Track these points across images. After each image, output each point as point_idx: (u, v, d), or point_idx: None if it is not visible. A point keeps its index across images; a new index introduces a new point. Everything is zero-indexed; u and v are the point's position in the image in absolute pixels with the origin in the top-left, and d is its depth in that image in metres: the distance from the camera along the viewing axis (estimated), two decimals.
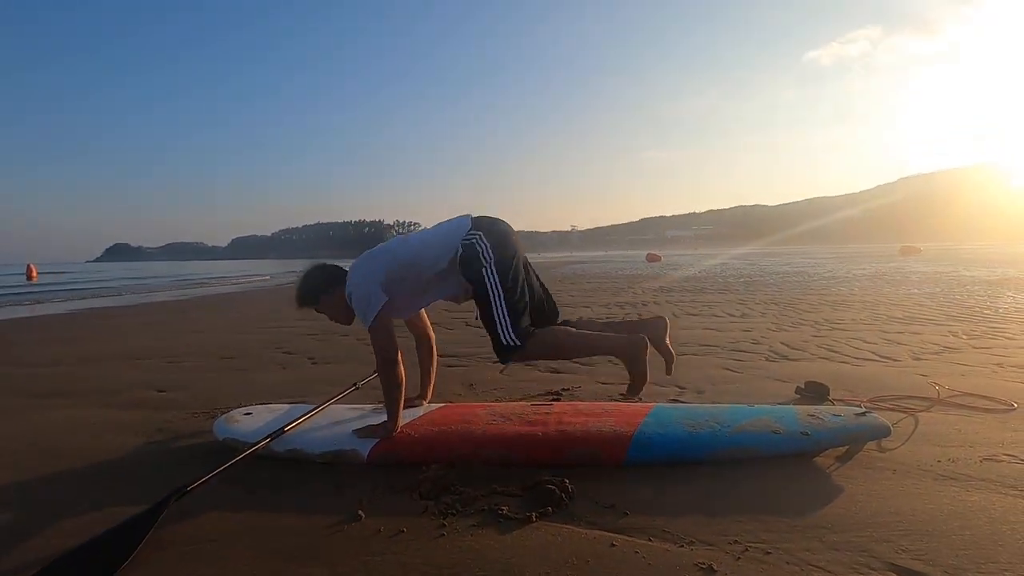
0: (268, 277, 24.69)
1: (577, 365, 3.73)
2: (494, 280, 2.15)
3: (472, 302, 2.26)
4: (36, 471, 2.11)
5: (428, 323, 2.54)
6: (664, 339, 2.37)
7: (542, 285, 2.42)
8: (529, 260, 2.38)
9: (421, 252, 2.22)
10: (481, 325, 2.21)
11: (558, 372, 3.55)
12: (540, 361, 2.23)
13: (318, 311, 2.32)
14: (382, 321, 2.10)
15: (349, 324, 2.35)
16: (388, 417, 2.12)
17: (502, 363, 2.29)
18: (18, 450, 2.35)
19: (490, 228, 2.22)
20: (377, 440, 2.06)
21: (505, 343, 2.14)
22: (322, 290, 2.27)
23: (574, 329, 2.27)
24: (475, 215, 2.28)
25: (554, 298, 2.47)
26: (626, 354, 2.24)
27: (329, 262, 2.41)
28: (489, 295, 2.15)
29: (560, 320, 2.42)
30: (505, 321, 2.14)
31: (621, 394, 2.28)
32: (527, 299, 2.24)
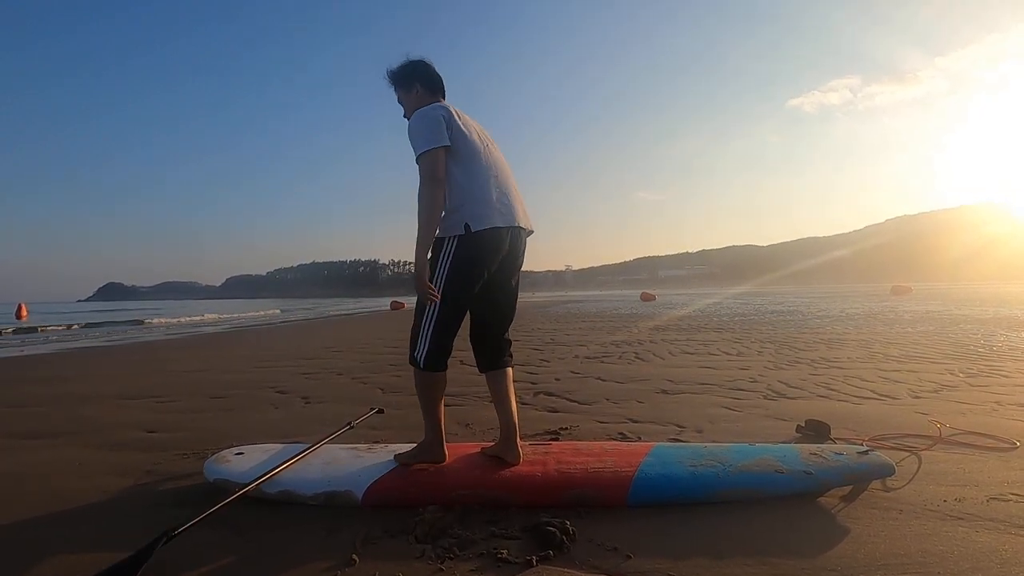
0: (278, 311, 24.47)
1: (575, 404, 3.69)
2: (443, 290, 2.06)
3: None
4: (21, 513, 2.03)
5: None
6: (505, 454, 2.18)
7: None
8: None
9: (474, 172, 2.07)
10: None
11: (555, 411, 3.51)
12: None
13: (398, 88, 2.26)
14: (435, 155, 1.97)
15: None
16: (418, 247, 1.97)
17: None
18: (2, 491, 2.27)
19: (483, 236, 2.07)
20: (372, 481, 2.01)
21: (414, 356, 2.11)
22: (425, 83, 2.23)
23: (436, 384, 2.15)
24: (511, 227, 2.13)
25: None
26: (425, 449, 2.16)
27: (432, 67, 2.29)
28: (428, 311, 2.07)
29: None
30: (426, 335, 2.08)
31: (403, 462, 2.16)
32: (460, 324, 2.14)
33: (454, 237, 2.04)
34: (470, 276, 2.06)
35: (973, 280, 72.18)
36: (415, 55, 2.29)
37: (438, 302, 2.04)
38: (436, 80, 2.26)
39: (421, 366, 2.09)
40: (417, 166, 2.01)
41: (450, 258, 2.04)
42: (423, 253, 2.00)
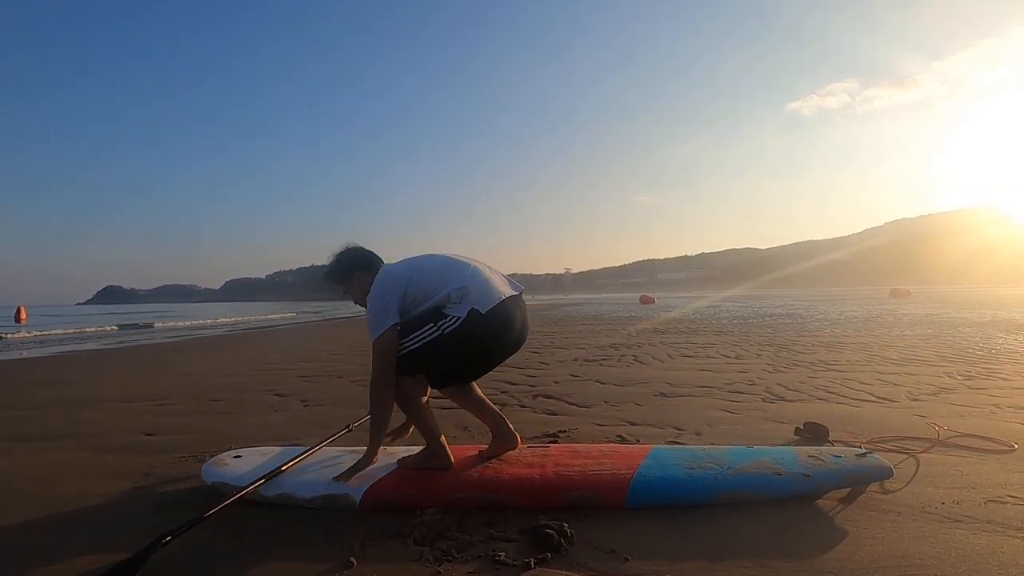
0: (295, 314, 24.41)
1: (574, 407, 3.69)
2: (423, 339, 2.08)
3: None
4: (19, 516, 2.03)
5: None
6: (498, 454, 2.26)
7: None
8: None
9: (441, 292, 2.13)
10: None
11: (554, 414, 3.50)
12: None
13: (338, 284, 2.32)
14: (387, 338, 2.06)
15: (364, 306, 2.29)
16: (370, 440, 2.10)
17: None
18: (0, 494, 2.27)
19: (490, 322, 2.11)
20: (370, 484, 2.01)
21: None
22: (356, 267, 2.29)
23: (425, 404, 2.20)
24: (505, 299, 2.17)
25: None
26: (431, 453, 2.17)
27: (361, 247, 2.38)
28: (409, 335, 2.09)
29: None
30: (414, 348, 2.07)
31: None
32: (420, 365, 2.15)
33: (459, 319, 2.07)
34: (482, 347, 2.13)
35: (972, 283, 72.27)
36: (340, 244, 2.36)
37: (434, 340, 2.06)
38: (367, 259, 2.31)
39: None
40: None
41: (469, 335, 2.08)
42: (375, 448, 2.12)
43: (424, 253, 2.31)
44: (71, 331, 16.52)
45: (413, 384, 2.13)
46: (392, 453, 2.32)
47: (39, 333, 15.86)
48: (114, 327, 19.16)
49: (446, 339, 2.06)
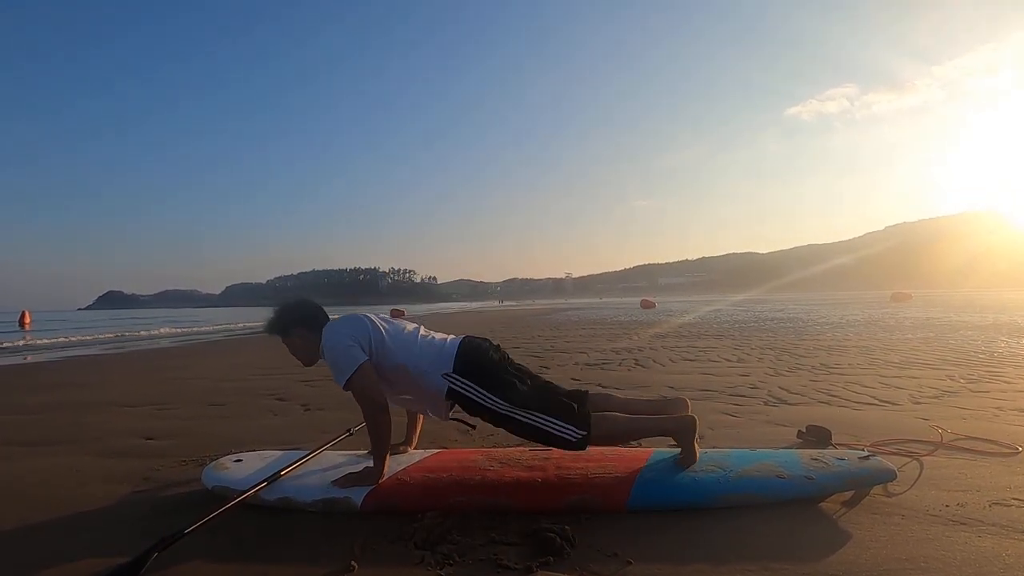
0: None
1: None
2: (505, 406, 2.04)
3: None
4: (18, 521, 2.02)
5: None
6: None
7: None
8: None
9: (406, 359, 2.13)
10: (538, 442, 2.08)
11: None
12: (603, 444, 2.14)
13: (284, 341, 2.26)
14: (363, 373, 2.04)
15: (308, 366, 2.31)
16: (374, 464, 2.08)
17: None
18: (0, 499, 2.26)
19: (472, 363, 2.12)
20: (370, 488, 2.00)
21: (572, 439, 1.99)
22: (299, 323, 2.21)
23: (622, 416, 2.13)
24: (459, 347, 2.16)
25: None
26: (679, 435, 2.10)
27: (312, 303, 2.32)
28: (517, 418, 2.03)
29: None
30: (550, 421, 2.00)
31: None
32: (547, 390, 2.15)
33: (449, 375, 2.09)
34: (490, 364, 2.13)
35: (973, 287, 72.19)
36: (289, 296, 2.30)
37: (508, 405, 2.04)
38: (315, 317, 2.23)
39: (578, 439, 2.00)
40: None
41: (475, 386, 2.08)
42: (379, 471, 2.07)
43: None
44: (88, 337, 16.41)
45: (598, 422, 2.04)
46: (392, 458, 2.31)
47: (66, 339, 15.64)
48: (135, 332, 19.05)
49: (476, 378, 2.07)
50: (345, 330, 2.13)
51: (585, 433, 1.99)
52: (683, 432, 2.09)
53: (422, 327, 2.29)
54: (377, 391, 2.06)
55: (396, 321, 2.28)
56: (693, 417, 2.12)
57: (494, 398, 2.06)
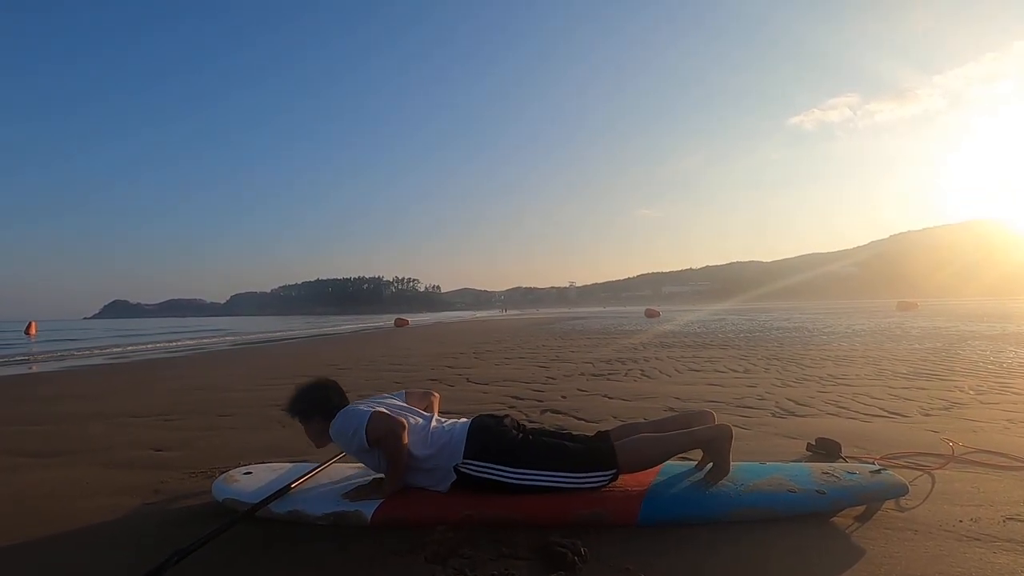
0: (301, 328, 24.57)
1: (583, 422, 3.68)
2: (517, 474, 2.03)
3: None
4: (28, 533, 2.03)
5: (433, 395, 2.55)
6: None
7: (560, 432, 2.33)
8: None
9: (419, 452, 2.10)
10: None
11: (563, 430, 3.48)
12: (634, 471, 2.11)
13: (302, 422, 2.27)
14: (373, 424, 2.03)
15: (319, 448, 2.32)
16: (387, 478, 2.08)
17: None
18: (9, 512, 2.27)
19: (479, 441, 2.10)
20: (381, 501, 2.00)
21: (603, 483, 2.01)
22: (322, 413, 2.20)
23: (648, 437, 2.12)
24: (468, 431, 2.13)
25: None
26: (711, 447, 2.09)
27: (333, 386, 2.32)
28: (536, 483, 2.02)
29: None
30: (572, 479, 2.00)
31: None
32: (558, 440, 2.14)
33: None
34: (500, 438, 2.10)
35: (978, 295, 71.78)
36: (313, 379, 2.34)
37: (530, 473, 2.03)
38: (333, 405, 2.22)
39: (610, 481, 2.03)
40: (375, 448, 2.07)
41: (489, 465, 2.06)
42: (392, 482, 2.07)
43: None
44: (94, 347, 16.45)
45: (625, 452, 2.05)
46: None
47: (72, 349, 15.68)
48: (140, 341, 19.10)
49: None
50: (351, 422, 2.08)
51: (614, 471, 2.01)
52: (719, 441, 2.07)
53: (434, 418, 2.27)
54: (392, 426, 2.03)
55: (405, 410, 2.26)
56: (728, 426, 2.10)
57: (505, 469, 2.03)
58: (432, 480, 2.11)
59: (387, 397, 2.36)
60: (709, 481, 2.03)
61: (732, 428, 2.11)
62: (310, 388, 2.28)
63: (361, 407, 2.14)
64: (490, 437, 2.11)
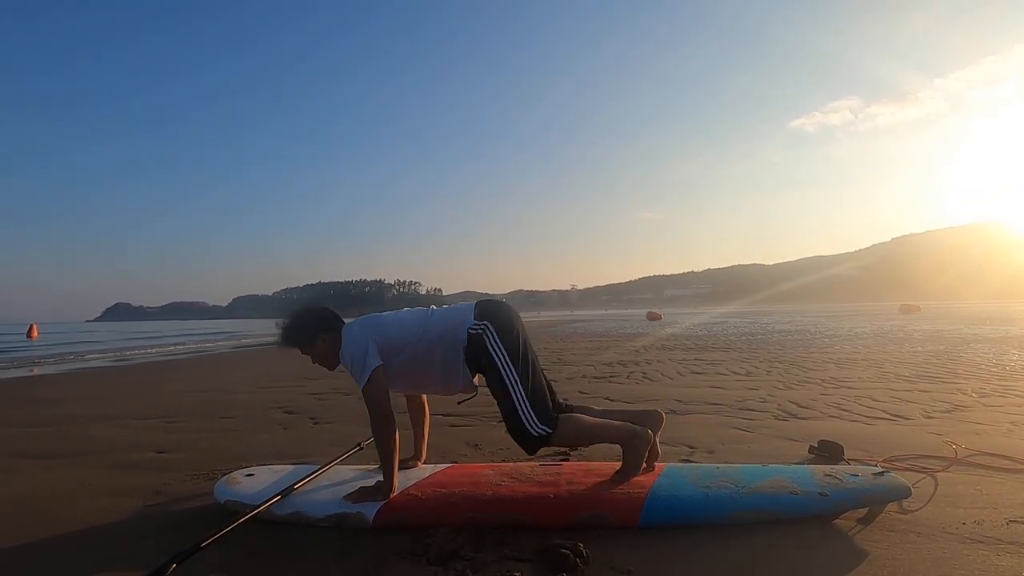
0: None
1: None
2: (509, 370, 2.08)
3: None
4: (29, 535, 2.03)
5: None
6: (656, 434, 2.21)
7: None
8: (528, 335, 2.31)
9: (421, 335, 2.16)
10: (501, 417, 2.12)
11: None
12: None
13: (304, 352, 2.26)
14: (374, 382, 2.07)
15: (332, 370, 2.30)
16: (384, 477, 2.07)
17: (529, 453, 2.14)
18: (10, 513, 2.27)
19: (495, 315, 2.16)
20: (382, 503, 2.00)
21: (534, 434, 2.04)
22: (320, 329, 2.21)
23: (588, 417, 2.19)
24: (479, 301, 2.23)
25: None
26: (630, 444, 2.12)
27: (322, 307, 2.33)
28: (507, 386, 2.08)
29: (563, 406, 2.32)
30: (528, 411, 2.06)
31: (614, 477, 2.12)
32: (543, 383, 2.19)
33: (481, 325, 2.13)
34: (514, 337, 2.15)
35: (981, 298, 71.65)
36: (300, 304, 2.35)
37: (513, 373, 2.09)
38: (334, 320, 2.25)
39: (539, 435, 2.06)
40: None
41: (495, 336, 2.12)
42: (389, 486, 2.06)
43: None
44: (96, 349, 16.50)
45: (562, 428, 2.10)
46: (403, 473, 2.30)
47: (74, 351, 15.83)
48: (142, 344, 19.15)
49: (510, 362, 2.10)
50: (363, 332, 2.14)
51: (548, 432, 2.05)
52: (632, 442, 2.10)
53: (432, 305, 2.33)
54: (384, 400, 2.07)
55: (407, 309, 2.31)
56: (648, 432, 2.13)
57: (511, 363, 2.09)
58: (442, 364, 2.16)
59: (388, 322, 2.23)
60: (615, 479, 2.08)
61: (652, 436, 2.14)
62: (304, 312, 2.28)
63: (368, 348, 2.08)
64: (500, 318, 2.16)
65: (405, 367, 2.17)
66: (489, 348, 2.10)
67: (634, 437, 2.11)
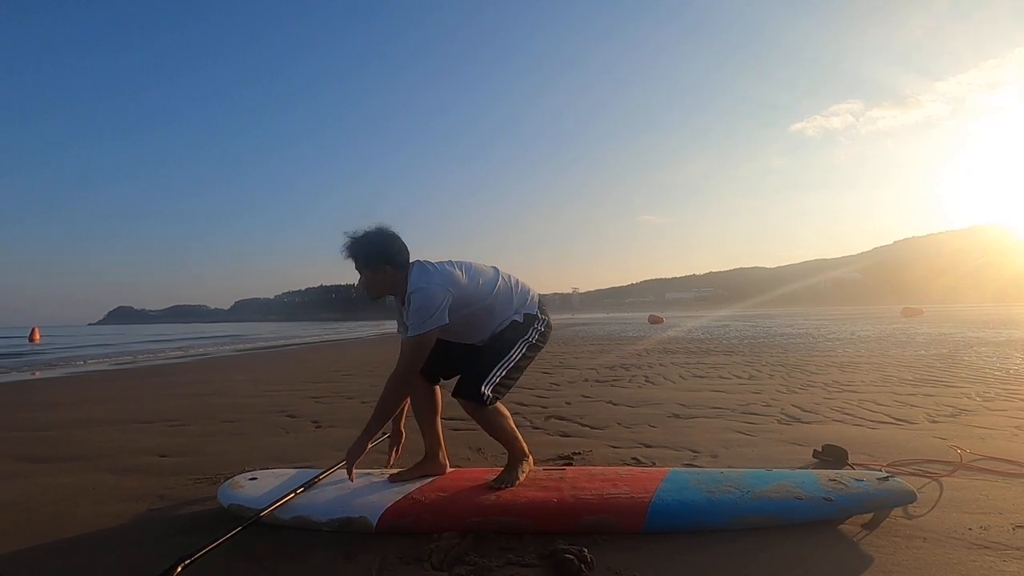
0: (306, 333, 24.64)
1: (587, 428, 3.67)
2: (514, 357, 2.22)
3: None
4: (33, 539, 2.03)
5: None
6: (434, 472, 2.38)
7: None
8: None
9: (491, 300, 2.21)
10: (467, 365, 2.22)
11: (567, 436, 3.48)
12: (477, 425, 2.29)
13: (359, 269, 2.16)
14: (428, 338, 2.07)
15: (373, 300, 2.22)
16: (367, 426, 2.11)
17: (461, 403, 2.19)
18: (15, 517, 2.27)
19: (548, 317, 2.38)
20: (386, 507, 2.00)
21: (480, 390, 2.13)
22: (388, 262, 2.12)
23: (508, 419, 2.31)
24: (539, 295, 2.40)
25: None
26: (517, 461, 2.26)
27: (398, 237, 2.18)
28: (505, 357, 2.21)
29: None
30: (492, 380, 2.16)
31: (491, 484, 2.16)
32: (514, 383, 2.31)
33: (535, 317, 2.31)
34: (541, 344, 2.35)
35: (983, 302, 71.45)
36: (376, 224, 2.18)
37: (513, 361, 2.22)
38: (405, 254, 2.17)
39: (482, 394, 2.14)
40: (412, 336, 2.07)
41: (540, 332, 2.32)
42: (367, 437, 2.13)
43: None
44: (98, 352, 16.54)
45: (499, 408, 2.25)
46: (406, 479, 2.30)
47: (76, 355, 15.86)
48: (144, 347, 19.19)
49: (527, 350, 2.27)
50: (444, 284, 2.08)
51: (488, 400, 2.14)
52: (521, 461, 2.25)
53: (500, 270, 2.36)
54: (421, 360, 2.11)
55: (478, 265, 2.31)
56: (531, 460, 2.31)
57: (521, 355, 2.24)
58: (473, 327, 2.24)
59: (466, 278, 2.19)
60: (492, 485, 2.15)
61: (529, 456, 2.31)
62: (389, 237, 2.16)
63: (443, 303, 2.05)
64: (550, 322, 2.39)
65: (459, 321, 2.15)
66: (525, 334, 2.26)
67: (524, 459, 2.27)
